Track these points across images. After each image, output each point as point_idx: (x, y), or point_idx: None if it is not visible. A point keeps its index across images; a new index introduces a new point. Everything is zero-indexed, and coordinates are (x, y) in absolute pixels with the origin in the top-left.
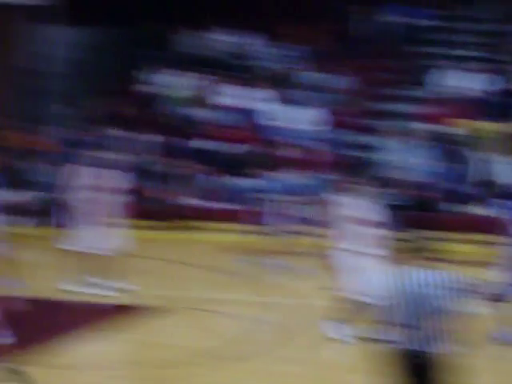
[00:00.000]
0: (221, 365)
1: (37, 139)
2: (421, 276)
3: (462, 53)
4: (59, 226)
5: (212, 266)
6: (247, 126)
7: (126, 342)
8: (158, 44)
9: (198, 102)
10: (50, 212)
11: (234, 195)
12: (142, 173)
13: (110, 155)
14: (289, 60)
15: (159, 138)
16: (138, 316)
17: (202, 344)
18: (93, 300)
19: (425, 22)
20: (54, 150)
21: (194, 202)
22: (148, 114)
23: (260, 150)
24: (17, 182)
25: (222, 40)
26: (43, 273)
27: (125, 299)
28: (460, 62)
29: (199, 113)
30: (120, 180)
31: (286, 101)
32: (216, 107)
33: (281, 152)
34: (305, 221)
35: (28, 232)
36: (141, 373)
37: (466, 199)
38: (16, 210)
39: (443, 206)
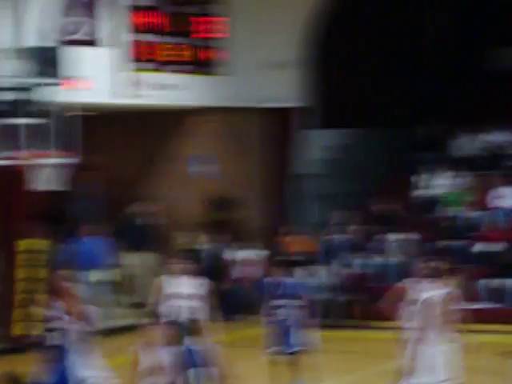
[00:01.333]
0: None
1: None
2: None
3: None
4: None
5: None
6: None
7: None
8: (430, 146)
9: (473, 203)
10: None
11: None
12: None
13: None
14: None
15: (440, 242)
16: None
17: None
18: None
19: None
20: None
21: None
22: (424, 217)
23: None
24: None
25: (497, 140)
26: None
27: None
28: None
29: (475, 214)
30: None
31: None
32: (493, 208)
33: None
34: None
35: None
36: None
37: None
38: None
39: None
